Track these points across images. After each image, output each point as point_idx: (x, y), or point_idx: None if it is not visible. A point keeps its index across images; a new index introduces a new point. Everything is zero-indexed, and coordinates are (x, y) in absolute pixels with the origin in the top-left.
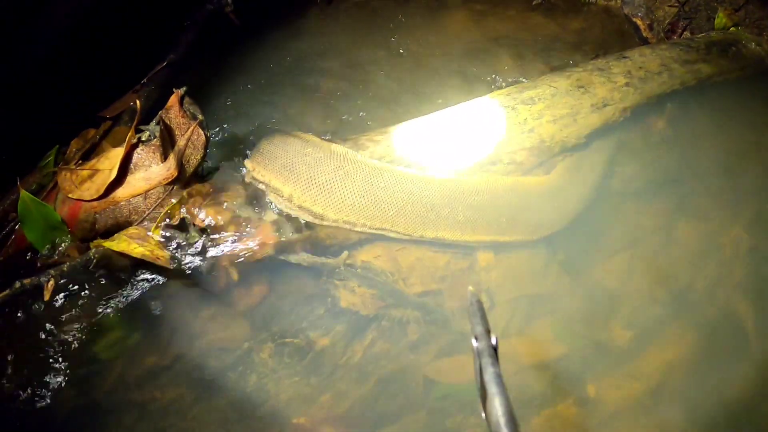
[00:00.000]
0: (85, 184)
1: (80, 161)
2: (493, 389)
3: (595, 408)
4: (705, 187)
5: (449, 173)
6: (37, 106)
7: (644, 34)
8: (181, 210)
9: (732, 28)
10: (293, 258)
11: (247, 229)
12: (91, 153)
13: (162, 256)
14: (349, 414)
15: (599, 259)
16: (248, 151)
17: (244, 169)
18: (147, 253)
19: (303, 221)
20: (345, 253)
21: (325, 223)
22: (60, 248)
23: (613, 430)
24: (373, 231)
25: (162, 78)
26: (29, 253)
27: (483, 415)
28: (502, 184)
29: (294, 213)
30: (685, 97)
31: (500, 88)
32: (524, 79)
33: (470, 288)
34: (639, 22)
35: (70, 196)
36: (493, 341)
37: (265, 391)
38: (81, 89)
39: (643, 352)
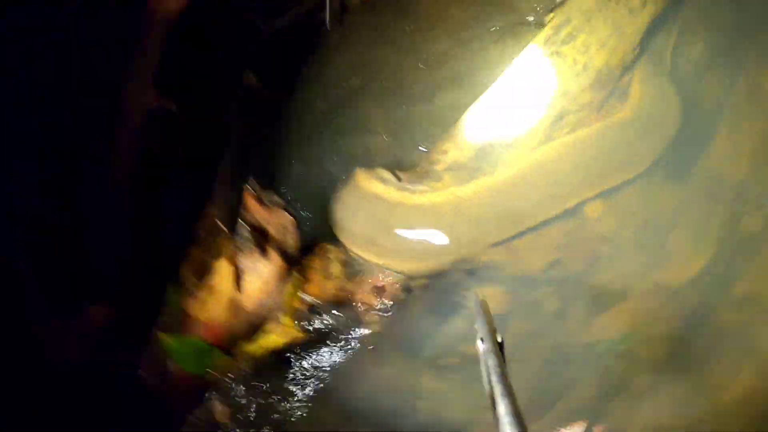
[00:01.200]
0: (209, 303)
1: (195, 281)
2: (499, 390)
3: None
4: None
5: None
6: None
7: None
8: (301, 296)
9: None
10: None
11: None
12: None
13: (297, 335)
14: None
15: (698, 149)
16: None
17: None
18: (281, 340)
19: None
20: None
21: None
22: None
23: None
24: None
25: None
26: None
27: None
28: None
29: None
30: None
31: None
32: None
33: (474, 291)
34: None
35: (201, 318)
36: (499, 341)
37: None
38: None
39: None
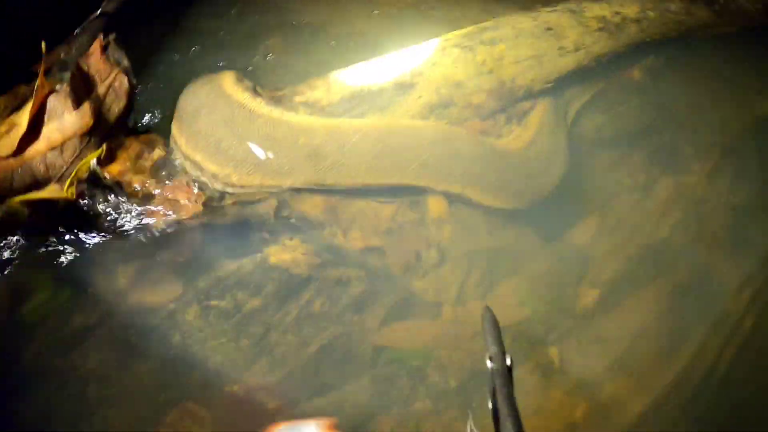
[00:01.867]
0: (2, 140)
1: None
2: (505, 411)
3: (559, 374)
4: (683, 139)
5: (400, 119)
6: None
7: None
8: (93, 164)
9: None
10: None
11: (168, 194)
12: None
13: (64, 194)
14: (287, 381)
15: (568, 214)
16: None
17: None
18: (49, 194)
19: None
20: (274, 201)
21: (251, 190)
22: None
23: (578, 397)
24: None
25: (98, 28)
26: None
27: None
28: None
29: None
30: (664, 49)
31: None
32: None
33: (486, 305)
34: None
35: None
36: (508, 362)
37: (191, 354)
38: (14, 39)
39: (611, 313)
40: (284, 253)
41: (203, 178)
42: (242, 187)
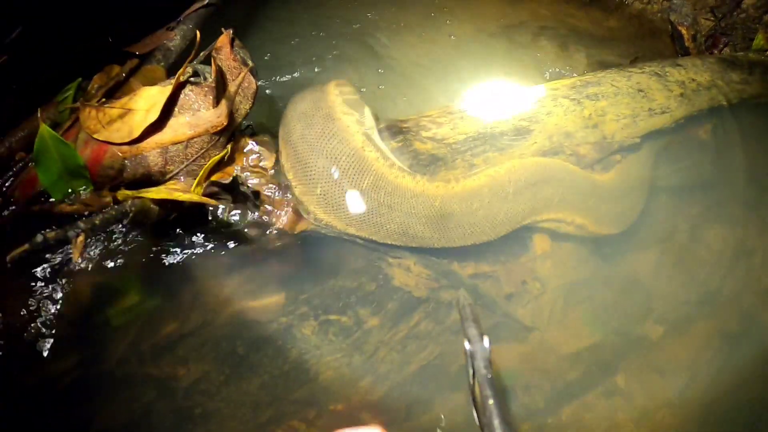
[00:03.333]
0: (115, 124)
1: (103, 99)
2: (486, 392)
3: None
4: (737, 195)
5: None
6: (58, 35)
7: (687, 44)
8: (237, 171)
9: None
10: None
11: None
12: (115, 91)
13: (202, 199)
14: (386, 398)
15: (634, 251)
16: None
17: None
18: (185, 196)
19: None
20: None
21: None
22: (76, 197)
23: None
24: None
25: (198, 19)
26: (38, 201)
27: (476, 416)
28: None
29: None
30: (728, 113)
31: (546, 76)
32: (569, 70)
33: (461, 291)
34: (684, 31)
35: (95, 136)
36: (486, 344)
37: (305, 371)
38: (107, 21)
39: (671, 347)
40: (408, 276)
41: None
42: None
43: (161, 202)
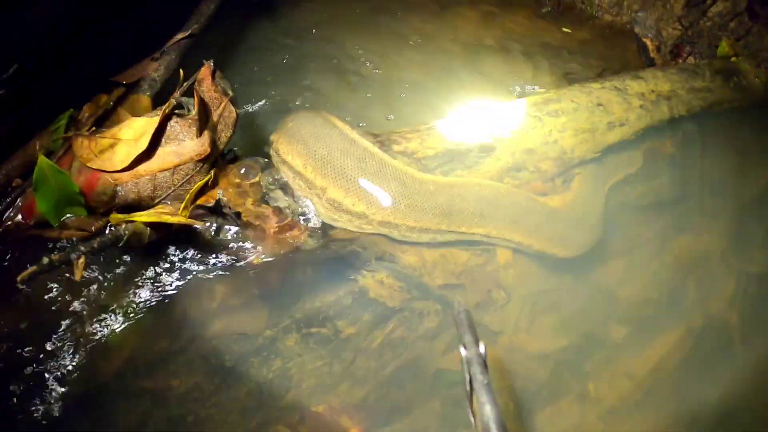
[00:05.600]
0: (106, 153)
1: (93, 128)
2: (483, 398)
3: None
4: (700, 205)
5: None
6: (47, 66)
7: (651, 55)
8: (219, 192)
9: (733, 58)
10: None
11: (267, 223)
12: (104, 119)
13: (189, 221)
14: (364, 403)
15: (600, 261)
16: (271, 135)
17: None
18: (174, 219)
19: (322, 222)
20: (374, 244)
21: (366, 228)
22: (72, 221)
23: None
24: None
25: (180, 49)
26: (34, 226)
27: (472, 420)
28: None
29: (324, 211)
30: (691, 123)
31: (518, 93)
32: (538, 87)
33: (457, 298)
34: (648, 43)
35: (89, 165)
36: (482, 350)
37: (288, 377)
38: (96, 52)
39: (637, 350)
40: (382, 288)
41: (317, 206)
42: (350, 212)
43: (151, 225)
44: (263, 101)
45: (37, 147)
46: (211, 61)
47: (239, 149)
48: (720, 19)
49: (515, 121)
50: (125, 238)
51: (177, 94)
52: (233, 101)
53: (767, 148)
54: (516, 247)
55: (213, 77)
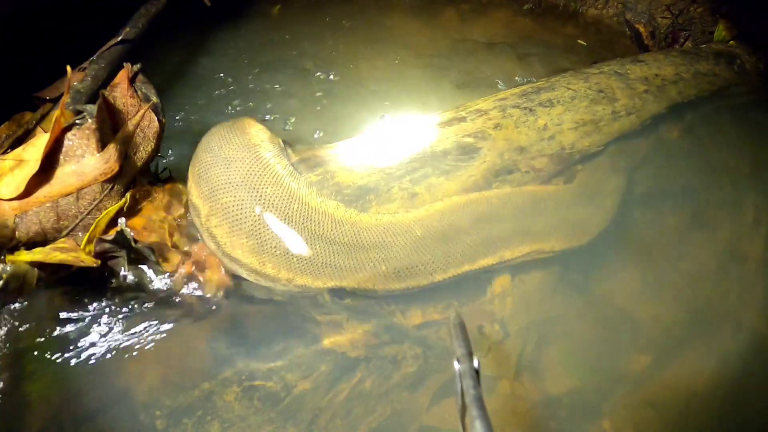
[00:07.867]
0: (5, 178)
1: (8, 150)
2: (474, 412)
3: None
4: (717, 197)
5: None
6: None
7: (646, 42)
8: (122, 223)
9: (731, 42)
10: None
11: (200, 262)
12: (24, 140)
13: (86, 259)
14: None
15: (610, 275)
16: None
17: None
18: (68, 257)
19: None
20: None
21: (277, 286)
22: None
23: None
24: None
25: (116, 56)
26: None
27: None
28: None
29: (227, 263)
30: (700, 108)
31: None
32: (525, 76)
33: (453, 310)
34: (641, 29)
35: None
36: (475, 364)
37: None
38: (18, 65)
39: (661, 378)
40: (340, 335)
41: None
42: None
43: (42, 265)
44: (221, 115)
45: None
46: (132, 64)
47: (175, 167)
48: (711, 3)
49: (501, 116)
50: (2, 282)
51: (66, 98)
52: (156, 109)
53: None
54: (536, 257)
55: (132, 81)
